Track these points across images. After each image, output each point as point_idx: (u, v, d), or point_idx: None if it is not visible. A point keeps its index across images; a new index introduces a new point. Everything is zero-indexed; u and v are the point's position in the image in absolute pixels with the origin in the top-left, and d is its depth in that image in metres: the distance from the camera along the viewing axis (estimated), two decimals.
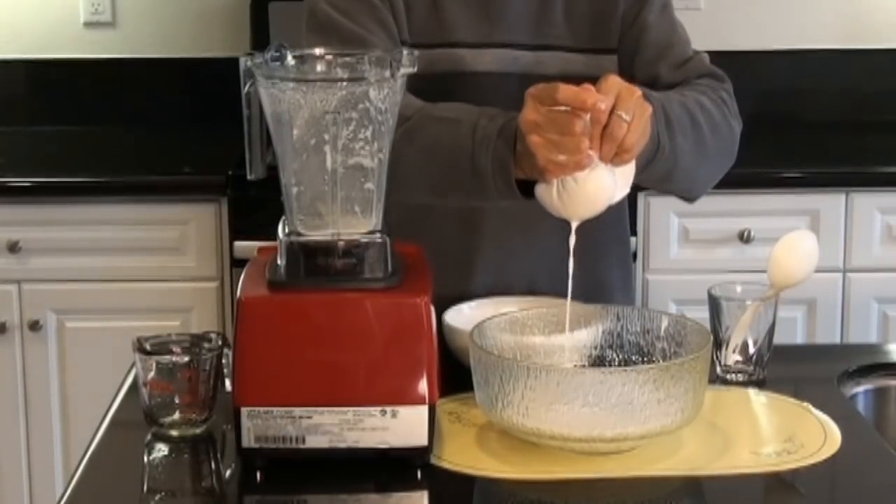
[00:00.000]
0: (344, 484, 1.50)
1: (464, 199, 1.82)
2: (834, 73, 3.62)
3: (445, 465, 1.53)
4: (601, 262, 2.00)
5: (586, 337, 1.67)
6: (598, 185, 1.61)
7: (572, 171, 1.59)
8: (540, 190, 1.64)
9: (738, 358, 1.77)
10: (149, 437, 1.60)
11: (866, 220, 3.10)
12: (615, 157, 1.60)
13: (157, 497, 1.53)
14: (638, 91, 1.61)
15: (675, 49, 1.94)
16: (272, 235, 1.57)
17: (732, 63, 1.86)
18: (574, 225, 1.64)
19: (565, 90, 1.57)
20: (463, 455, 1.55)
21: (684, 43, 1.97)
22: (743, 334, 1.75)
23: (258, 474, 1.51)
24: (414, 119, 1.78)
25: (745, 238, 3.08)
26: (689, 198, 1.95)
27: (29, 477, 3.14)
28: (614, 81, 1.60)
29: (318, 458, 1.50)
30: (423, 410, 1.49)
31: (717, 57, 2.03)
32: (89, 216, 3.07)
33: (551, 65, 1.91)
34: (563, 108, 1.58)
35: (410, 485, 1.51)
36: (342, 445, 1.49)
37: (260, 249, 1.64)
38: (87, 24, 3.61)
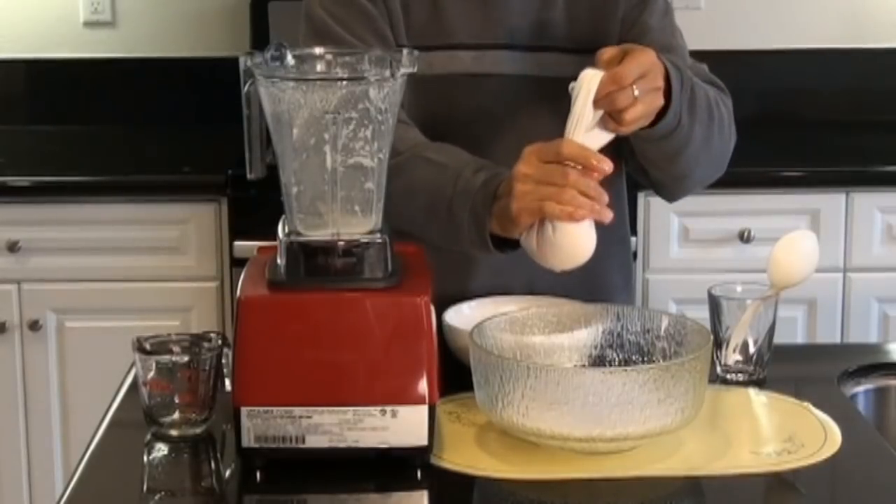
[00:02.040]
0: (344, 484, 1.50)
1: (441, 243, 1.82)
2: (834, 72, 3.61)
3: (445, 465, 1.53)
4: (603, 263, 1.99)
5: (586, 336, 1.67)
6: (580, 238, 1.64)
7: (549, 218, 1.61)
8: (523, 238, 1.68)
9: (739, 358, 1.77)
10: (149, 436, 1.60)
11: (866, 220, 3.10)
12: (609, 122, 1.63)
13: (157, 497, 1.53)
14: (660, 82, 1.66)
15: (676, 53, 1.94)
16: (272, 235, 1.57)
17: (732, 63, 1.87)
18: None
19: (570, 146, 1.61)
20: (463, 455, 1.55)
21: (684, 51, 1.97)
22: (743, 334, 1.75)
23: (258, 474, 1.51)
24: (405, 155, 1.78)
25: (745, 238, 3.08)
26: (673, 193, 1.95)
27: (29, 477, 3.14)
28: (650, 59, 1.65)
29: (318, 458, 1.50)
30: (423, 410, 1.49)
31: (717, 57, 2.04)
32: (89, 216, 3.07)
33: (551, 66, 1.91)
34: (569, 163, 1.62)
35: (410, 485, 1.51)
36: (342, 445, 1.49)
37: (260, 249, 1.63)
38: (87, 24, 3.61)
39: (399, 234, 1.60)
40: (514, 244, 1.73)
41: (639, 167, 1.92)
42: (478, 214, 1.73)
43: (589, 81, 1.64)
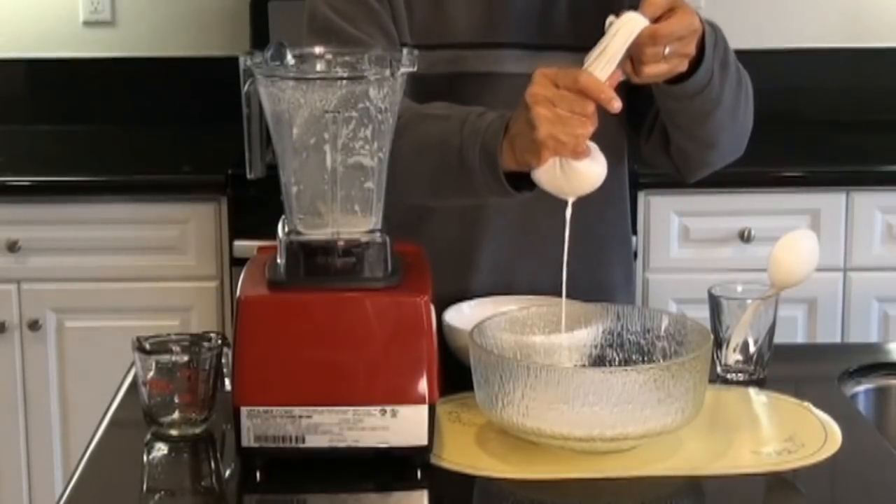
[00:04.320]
0: (344, 484, 1.50)
1: (456, 197, 1.81)
2: (835, 72, 3.61)
3: (445, 464, 1.53)
4: (604, 262, 2.00)
5: (587, 336, 1.67)
6: (595, 162, 1.63)
7: (567, 154, 1.60)
8: (534, 172, 1.65)
9: (739, 357, 1.76)
10: (148, 436, 1.60)
11: (867, 219, 3.10)
12: (626, 64, 1.63)
13: (157, 496, 1.53)
14: (691, 49, 1.67)
15: None
16: (272, 235, 1.57)
17: None
18: (570, 201, 1.64)
19: (588, 76, 1.59)
20: (463, 455, 1.54)
21: None
22: (743, 334, 1.75)
23: (258, 474, 1.51)
24: (405, 117, 1.77)
25: (745, 237, 3.07)
26: (696, 166, 1.93)
27: (29, 477, 3.14)
28: (693, 25, 1.65)
29: (318, 458, 1.50)
30: (423, 410, 1.49)
31: None
32: (89, 216, 3.07)
33: (555, 64, 1.90)
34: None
35: (410, 484, 1.51)
36: (342, 445, 1.49)
37: (260, 249, 1.63)
38: (87, 23, 3.61)
39: (402, 227, 1.60)
40: (530, 185, 1.70)
41: (660, 144, 1.91)
42: (489, 153, 1.70)
43: (630, 27, 1.62)
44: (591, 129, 1.59)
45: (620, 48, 1.62)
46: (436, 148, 1.76)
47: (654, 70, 1.65)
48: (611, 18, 1.64)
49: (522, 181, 1.69)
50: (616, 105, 1.59)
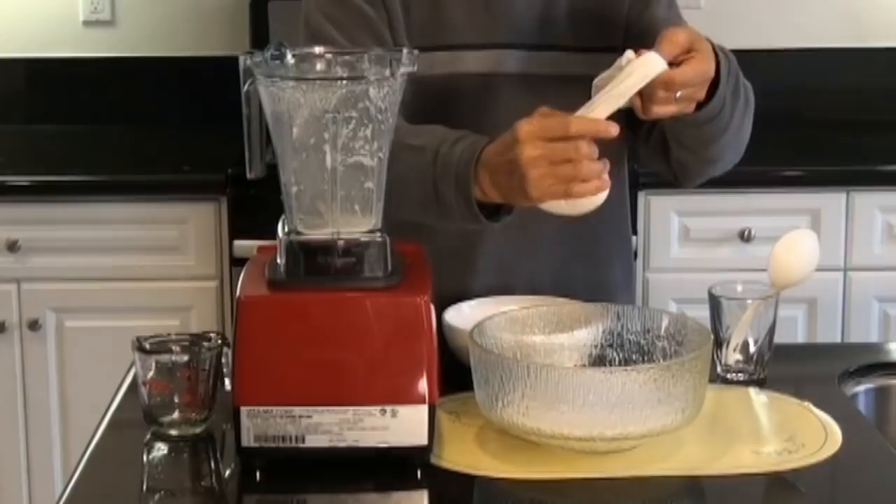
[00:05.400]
0: (344, 484, 1.50)
1: (440, 224, 1.81)
2: (835, 71, 3.61)
3: (445, 464, 1.53)
4: (604, 261, 2.00)
5: (587, 336, 1.67)
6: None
7: (579, 197, 1.61)
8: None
9: (739, 357, 1.76)
10: (148, 436, 1.60)
11: (867, 219, 3.10)
12: (634, 99, 1.63)
13: (157, 496, 1.53)
14: (702, 95, 1.68)
15: None
16: (272, 234, 1.57)
17: None
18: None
19: (578, 123, 1.60)
20: (463, 455, 1.54)
21: None
22: (743, 333, 1.75)
23: (258, 474, 1.51)
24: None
25: (745, 237, 3.07)
26: (696, 177, 1.94)
27: (28, 477, 3.14)
28: (707, 71, 1.66)
29: (318, 458, 1.50)
30: (423, 410, 1.49)
31: None
32: (89, 215, 3.07)
33: (554, 65, 1.91)
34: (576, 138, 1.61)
35: (410, 484, 1.51)
36: (342, 445, 1.49)
37: (259, 248, 1.63)
38: (87, 23, 3.61)
39: (402, 227, 1.60)
40: (509, 210, 1.73)
41: (658, 150, 1.91)
42: (463, 189, 1.72)
43: (646, 71, 1.62)
44: (585, 167, 1.60)
45: (631, 89, 1.62)
46: (415, 182, 1.77)
47: (663, 111, 1.67)
48: (629, 54, 1.63)
49: (501, 206, 1.72)
50: (613, 131, 1.60)
